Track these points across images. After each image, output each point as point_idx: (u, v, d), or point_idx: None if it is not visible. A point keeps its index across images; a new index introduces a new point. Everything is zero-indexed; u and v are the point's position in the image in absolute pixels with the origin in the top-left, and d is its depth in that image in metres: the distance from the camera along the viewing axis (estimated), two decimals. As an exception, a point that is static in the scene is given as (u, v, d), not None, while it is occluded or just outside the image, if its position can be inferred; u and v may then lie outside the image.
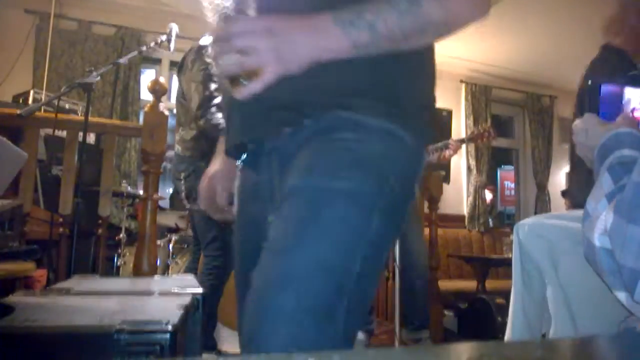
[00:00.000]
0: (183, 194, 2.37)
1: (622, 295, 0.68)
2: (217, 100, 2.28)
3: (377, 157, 0.69)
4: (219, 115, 2.28)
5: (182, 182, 2.37)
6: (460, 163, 5.53)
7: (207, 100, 2.26)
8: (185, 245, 3.28)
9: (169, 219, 3.54)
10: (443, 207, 3.81)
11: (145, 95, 4.23)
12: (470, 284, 3.89)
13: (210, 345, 2.31)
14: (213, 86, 2.29)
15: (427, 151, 2.79)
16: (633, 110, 0.97)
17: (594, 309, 1.11)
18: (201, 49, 2.34)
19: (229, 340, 2.59)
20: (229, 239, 2.36)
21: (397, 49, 0.70)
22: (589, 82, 0.97)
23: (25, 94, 3.42)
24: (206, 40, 2.40)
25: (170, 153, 2.66)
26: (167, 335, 0.73)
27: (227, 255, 2.32)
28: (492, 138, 2.87)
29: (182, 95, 2.41)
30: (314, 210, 0.65)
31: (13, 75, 3.94)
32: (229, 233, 2.35)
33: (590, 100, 0.95)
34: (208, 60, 2.30)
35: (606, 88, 0.96)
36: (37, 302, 1.01)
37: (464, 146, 5.52)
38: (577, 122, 0.93)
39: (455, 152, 3.08)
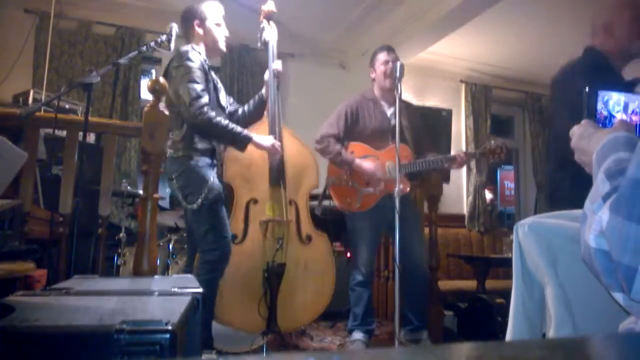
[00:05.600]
0: (179, 194, 2.41)
1: (619, 296, 0.68)
2: (205, 99, 2.37)
3: None
4: (212, 112, 2.37)
5: (174, 182, 2.42)
6: (460, 163, 5.53)
7: (195, 99, 2.34)
8: (185, 245, 3.28)
9: (169, 219, 3.54)
10: (443, 207, 3.82)
11: (145, 95, 4.23)
12: (470, 284, 3.90)
13: (206, 339, 2.33)
14: (199, 87, 2.37)
15: (433, 161, 2.80)
16: (630, 114, 0.97)
17: (594, 308, 1.11)
18: (182, 55, 2.42)
19: (226, 339, 2.59)
20: (222, 232, 2.40)
21: None
22: (587, 88, 0.97)
23: (25, 94, 3.42)
24: (186, 47, 2.48)
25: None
26: (167, 335, 0.73)
27: (221, 248, 2.35)
28: (504, 155, 2.81)
29: (170, 102, 2.46)
30: None
31: (13, 75, 3.93)
32: (222, 226, 2.37)
33: (588, 105, 0.96)
34: (190, 64, 2.39)
35: (603, 94, 0.97)
36: (37, 302, 1.01)
37: (464, 147, 5.52)
38: (575, 128, 0.94)
39: (461, 166, 2.98)
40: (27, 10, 4.09)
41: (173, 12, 4.20)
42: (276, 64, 2.77)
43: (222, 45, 2.61)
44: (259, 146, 2.54)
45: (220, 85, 2.68)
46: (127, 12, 4.41)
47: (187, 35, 2.59)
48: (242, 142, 2.44)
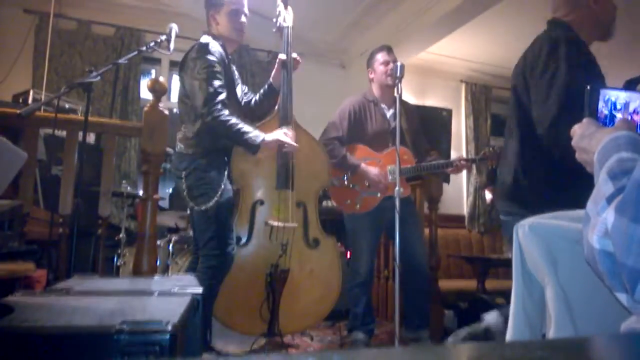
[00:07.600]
0: (187, 193, 2.31)
1: (622, 297, 0.68)
2: (222, 96, 2.25)
3: None
4: (226, 111, 2.24)
5: (183, 180, 2.31)
6: (460, 163, 5.53)
7: (212, 96, 2.23)
8: (186, 246, 3.27)
9: (169, 219, 3.54)
10: (443, 207, 3.81)
11: (145, 95, 4.23)
12: (470, 284, 3.89)
13: (204, 343, 2.32)
14: (217, 83, 2.25)
15: (433, 166, 2.80)
16: (632, 113, 0.97)
17: (594, 308, 1.11)
18: (202, 47, 2.30)
19: (226, 339, 2.59)
20: (227, 239, 2.36)
21: None
22: (588, 87, 0.97)
23: (25, 94, 3.42)
24: (207, 38, 2.37)
25: (169, 150, 2.65)
26: (167, 336, 0.73)
27: (224, 255, 2.29)
28: None
29: (184, 94, 2.36)
30: None
31: (13, 75, 3.94)
32: (228, 233, 2.35)
33: (590, 104, 0.96)
34: (211, 58, 2.27)
35: (604, 92, 0.96)
36: (37, 302, 1.01)
37: (464, 147, 5.52)
38: (576, 127, 0.93)
39: (459, 172, 2.97)
40: (26, 10, 4.09)
41: (173, 12, 4.23)
42: (293, 54, 2.62)
43: (237, 36, 2.48)
44: (275, 146, 2.40)
45: (237, 75, 2.57)
46: (127, 12, 4.41)
47: (208, 25, 2.49)
48: (253, 147, 2.31)
